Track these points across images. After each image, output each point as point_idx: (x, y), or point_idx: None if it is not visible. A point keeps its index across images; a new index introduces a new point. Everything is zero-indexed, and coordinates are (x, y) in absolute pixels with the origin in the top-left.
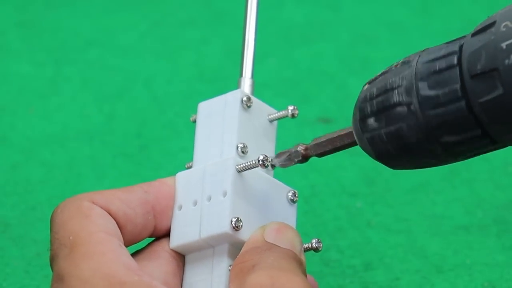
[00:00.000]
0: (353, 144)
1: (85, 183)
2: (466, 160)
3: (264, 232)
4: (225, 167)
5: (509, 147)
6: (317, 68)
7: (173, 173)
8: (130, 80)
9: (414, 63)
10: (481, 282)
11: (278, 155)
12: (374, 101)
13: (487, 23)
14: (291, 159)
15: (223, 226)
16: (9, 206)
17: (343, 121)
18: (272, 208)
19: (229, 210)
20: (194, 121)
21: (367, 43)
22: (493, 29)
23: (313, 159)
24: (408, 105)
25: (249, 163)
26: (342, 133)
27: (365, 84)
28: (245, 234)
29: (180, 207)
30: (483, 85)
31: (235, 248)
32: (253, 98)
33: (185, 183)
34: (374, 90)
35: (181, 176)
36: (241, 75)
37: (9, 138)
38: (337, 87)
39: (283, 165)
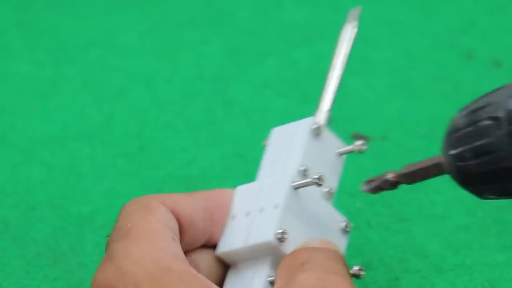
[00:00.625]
0: (443, 174)
1: (85, 183)
2: None
3: (309, 242)
4: (282, 182)
5: None
6: (317, 68)
7: (173, 173)
8: (130, 80)
9: (505, 124)
10: (481, 282)
11: (367, 183)
12: (472, 163)
13: None
14: (380, 187)
15: (268, 236)
16: (9, 206)
17: (343, 121)
18: (323, 232)
19: (276, 221)
20: (265, 146)
21: (367, 43)
22: None
23: None
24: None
25: (305, 181)
26: (432, 163)
27: (450, 132)
28: (289, 248)
29: (234, 217)
30: None
31: (279, 261)
32: (324, 129)
33: (243, 195)
34: (468, 151)
35: (240, 189)
36: (319, 107)
37: (9, 138)
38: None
39: (373, 191)
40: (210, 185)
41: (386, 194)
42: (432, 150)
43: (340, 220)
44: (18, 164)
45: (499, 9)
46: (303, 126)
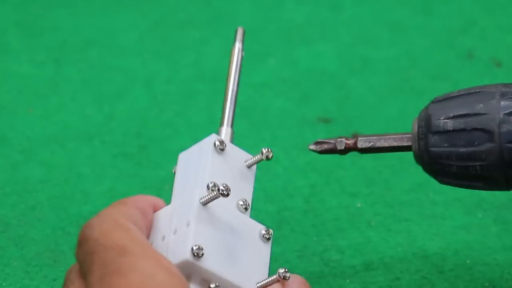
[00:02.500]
0: (406, 149)
1: (85, 183)
2: None
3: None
4: (190, 200)
5: None
6: (317, 68)
7: (172, 173)
8: (130, 80)
9: (495, 128)
10: (481, 282)
11: (316, 143)
12: (454, 168)
13: None
14: (333, 147)
15: (184, 253)
16: (9, 206)
17: (343, 121)
18: (242, 243)
19: (191, 238)
20: (175, 172)
21: (367, 43)
22: None
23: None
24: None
25: (211, 195)
26: (397, 136)
27: (436, 100)
28: (209, 263)
29: (152, 244)
30: None
31: (207, 278)
32: (227, 143)
33: (158, 221)
34: (453, 156)
35: (156, 215)
36: (221, 124)
37: (9, 138)
38: (337, 87)
39: (321, 149)
40: None
41: (386, 194)
42: None
43: (259, 228)
44: (18, 164)
45: (499, 9)
46: (206, 144)
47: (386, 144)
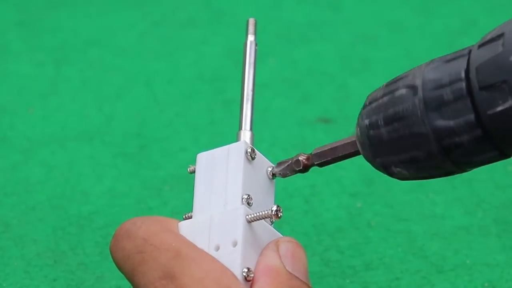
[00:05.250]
0: (356, 153)
1: (85, 183)
2: None
3: (281, 255)
4: (234, 216)
5: None
6: (317, 68)
7: (173, 173)
8: (130, 80)
9: (420, 90)
10: (481, 282)
11: (278, 164)
12: (383, 130)
13: (494, 35)
14: (292, 169)
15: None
16: (9, 206)
17: (343, 121)
18: None
19: (240, 260)
20: (192, 172)
21: (367, 43)
22: (500, 41)
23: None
24: (421, 135)
25: (261, 213)
26: (344, 142)
27: (364, 108)
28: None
29: None
30: (493, 96)
31: None
32: (256, 151)
33: (189, 232)
34: (381, 119)
35: (184, 225)
36: (240, 127)
37: (9, 138)
38: (337, 87)
39: (283, 174)
40: None
41: (386, 194)
42: None
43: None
44: (18, 164)
45: (499, 9)
46: (237, 151)
47: (339, 154)
